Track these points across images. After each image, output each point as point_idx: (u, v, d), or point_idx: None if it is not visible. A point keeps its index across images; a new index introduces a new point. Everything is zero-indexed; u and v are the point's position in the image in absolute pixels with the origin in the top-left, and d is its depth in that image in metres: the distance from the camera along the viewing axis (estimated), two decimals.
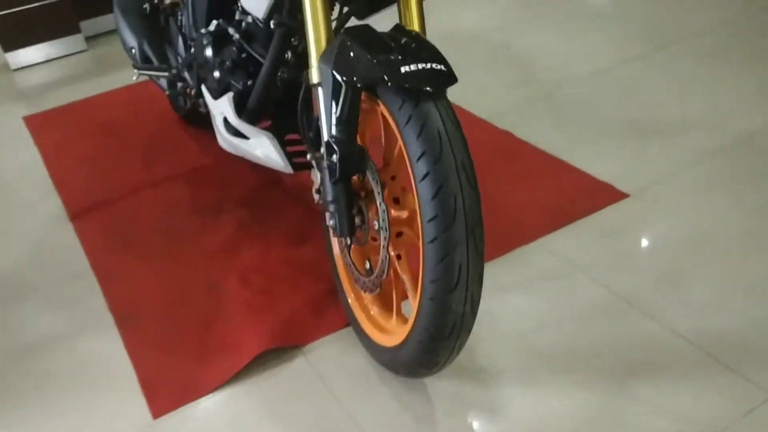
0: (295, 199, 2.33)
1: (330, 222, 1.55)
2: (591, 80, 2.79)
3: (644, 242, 1.96)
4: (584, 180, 2.22)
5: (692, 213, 2.04)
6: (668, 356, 1.63)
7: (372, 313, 1.67)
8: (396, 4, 1.70)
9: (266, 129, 1.93)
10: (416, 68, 1.35)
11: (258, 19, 1.82)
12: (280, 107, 1.97)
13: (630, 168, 2.26)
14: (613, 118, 2.53)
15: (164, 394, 1.70)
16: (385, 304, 1.70)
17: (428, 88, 1.35)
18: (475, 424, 1.53)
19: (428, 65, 1.36)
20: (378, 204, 1.48)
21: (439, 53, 1.40)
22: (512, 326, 1.75)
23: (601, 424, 1.50)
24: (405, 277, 1.56)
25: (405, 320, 1.63)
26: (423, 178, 1.32)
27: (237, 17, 1.97)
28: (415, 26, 1.58)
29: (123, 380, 1.75)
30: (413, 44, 1.44)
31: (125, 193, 2.47)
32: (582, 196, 2.16)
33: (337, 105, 1.46)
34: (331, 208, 1.54)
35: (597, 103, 2.64)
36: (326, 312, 1.86)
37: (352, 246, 1.67)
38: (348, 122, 1.47)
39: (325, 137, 1.50)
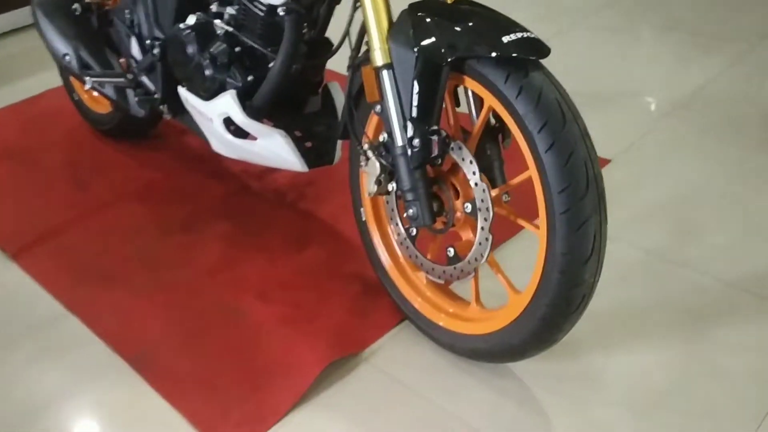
0: (273, 204, 2.17)
1: (409, 211, 1.46)
2: None
3: (645, 200, 2.04)
4: None
5: (675, 168, 2.17)
6: (720, 300, 1.71)
7: (452, 311, 1.59)
8: None
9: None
10: (516, 38, 1.31)
11: (262, 6, 1.67)
12: (283, 102, 1.82)
13: (598, 135, 2.33)
14: None
15: (225, 430, 1.51)
16: (452, 295, 1.64)
17: (534, 57, 1.31)
18: (582, 395, 1.51)
19: (524, 34, 1.32)
20: (474, 184, 1.41)
21: (519, 23, 1.37)
22: None
23: (700, 368, 1.55)
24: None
25: (482, 305, 1.57)
26: (549, 149, 1.28)
27: (215, 9, 1.79)
28: None
29: (169, 423, 1.53)
30: (491, 15, 1.39)
31: (68, 221, 2.15)
32: None
33: (419, 85, 1.38)
34: (410, 196, 1.45)
35: None
36: (372, 313, 1.75)
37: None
38: (431, 102, 1.39)
39: (400, 122, 1.41)
